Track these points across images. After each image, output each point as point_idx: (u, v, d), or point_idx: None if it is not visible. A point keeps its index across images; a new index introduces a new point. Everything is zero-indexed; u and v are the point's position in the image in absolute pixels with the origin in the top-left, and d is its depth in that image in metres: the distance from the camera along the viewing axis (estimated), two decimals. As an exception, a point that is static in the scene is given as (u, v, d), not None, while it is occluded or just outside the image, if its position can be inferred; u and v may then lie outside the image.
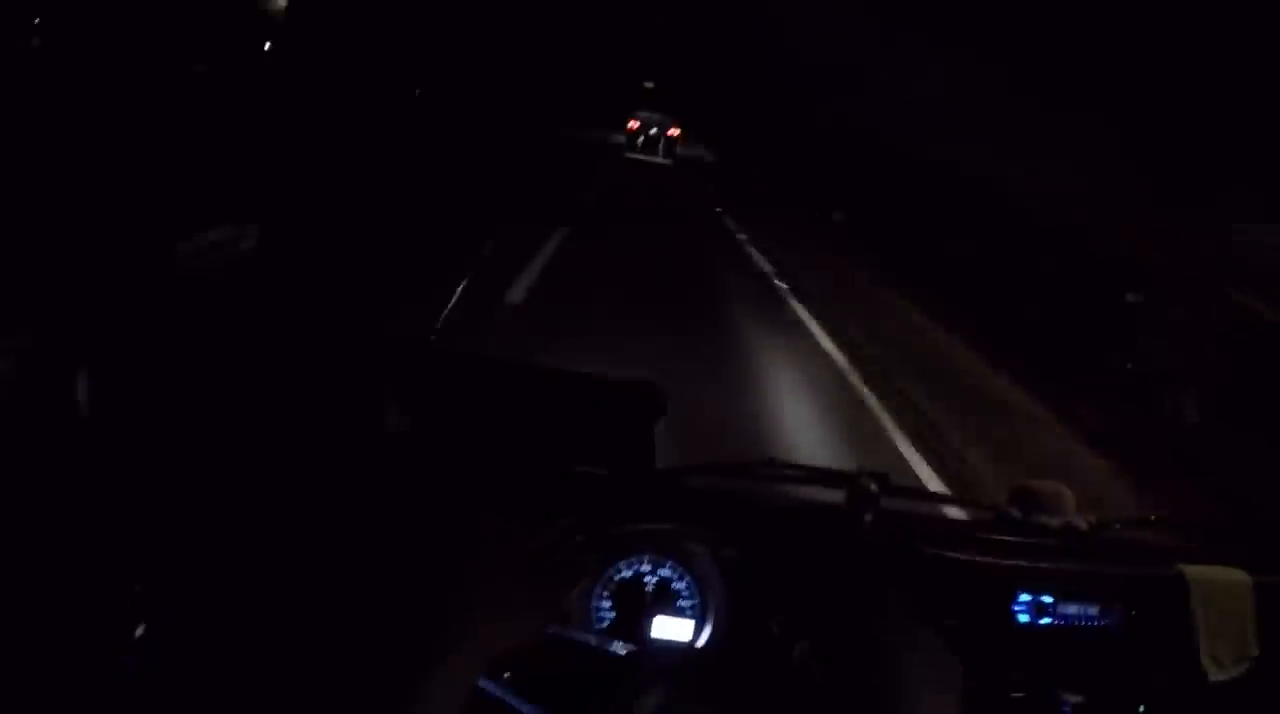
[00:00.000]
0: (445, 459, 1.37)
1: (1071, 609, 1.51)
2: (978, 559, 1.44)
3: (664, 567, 1.35)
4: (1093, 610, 1.52)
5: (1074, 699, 1.43)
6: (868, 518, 1.39)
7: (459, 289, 1.84)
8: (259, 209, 1.30)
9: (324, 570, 0.98)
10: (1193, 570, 1.51)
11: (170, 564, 1.01)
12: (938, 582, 1.39)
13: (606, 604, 1.33)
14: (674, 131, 28.01)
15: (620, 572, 1.34)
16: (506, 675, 1.04)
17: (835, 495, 1.52)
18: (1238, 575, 1.53)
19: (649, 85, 28.81)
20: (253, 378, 1.34)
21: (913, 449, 5.26)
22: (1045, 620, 1.47)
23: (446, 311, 1.69)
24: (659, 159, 27.14)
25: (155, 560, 1.01)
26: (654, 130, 28.01)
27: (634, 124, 28.62)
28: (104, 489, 1.09)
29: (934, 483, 4.83)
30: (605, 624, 1.32)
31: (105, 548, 1.02)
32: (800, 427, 5.29)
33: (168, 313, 1.30)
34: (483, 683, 1.00)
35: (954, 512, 2.27)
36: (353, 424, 1.41)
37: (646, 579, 1.35)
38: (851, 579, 1.27)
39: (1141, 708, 1.45)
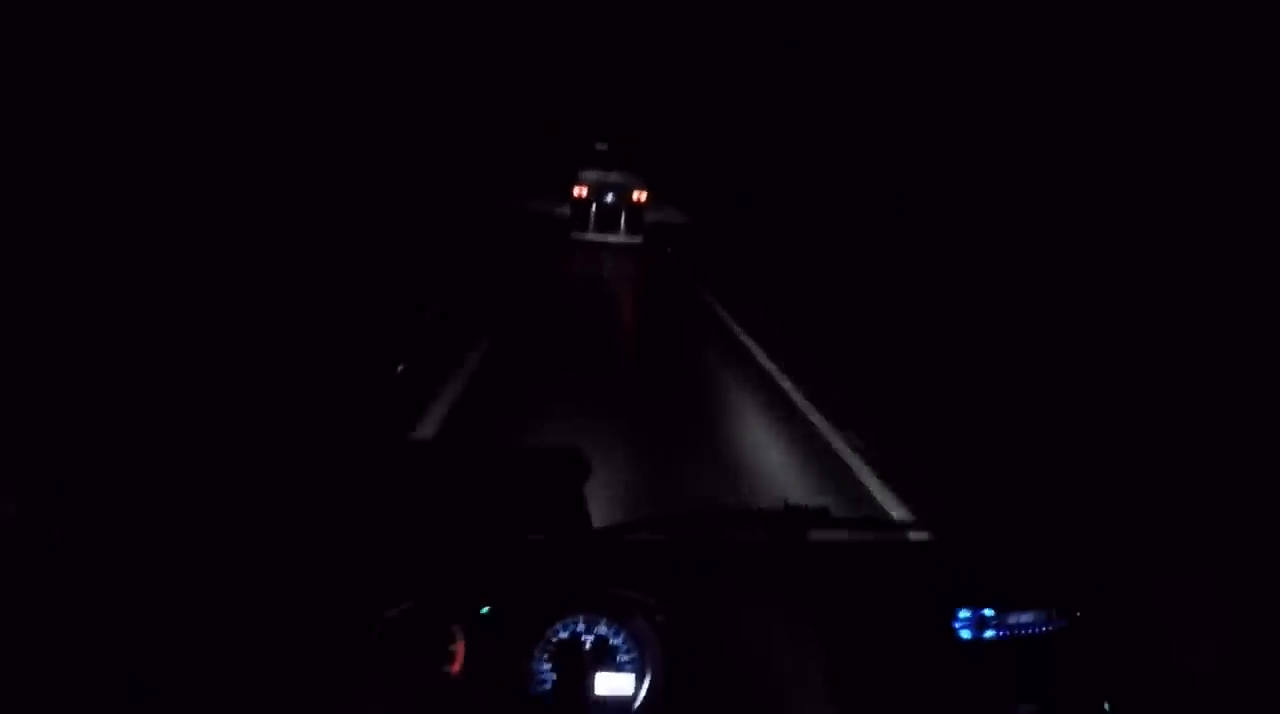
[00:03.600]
0: (385, 544, 1.43)
1: (1016, 619, 1.55)
2: (913, 582, 1.49)
3: (599, 625, 1.42)
4: (1039, 618, 1.56)
5: (1027, 709, 1.47)
6: (793, 557, 1.44)
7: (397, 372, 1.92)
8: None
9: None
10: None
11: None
12: (874, 609, 1.44)
13: (547, 666, 1.39)
14: (639, 196, 21.01)
15: (558, 633, 1.40)
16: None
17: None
18: None
19: (601, 147, 21.93)
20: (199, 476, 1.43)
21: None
22: (990, 634, 1.51)
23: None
24: (620, 238, 20.63)
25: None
26: (610, 197, 20.96)
27: (581, 190, 20.99)
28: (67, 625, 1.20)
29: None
30: (548, 685, 1.38)
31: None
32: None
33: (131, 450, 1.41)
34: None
35: (892, 535, 2.31)
36: (293, 516, 1.48)
37: (584, 638, 1.42)
38: (776, 620, 1.32)
39: (1107, 705, 1.48)
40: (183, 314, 7.46)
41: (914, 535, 1.88)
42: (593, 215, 20.86)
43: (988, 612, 1.57)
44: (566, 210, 21.17)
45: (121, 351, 6.61)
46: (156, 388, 6.02)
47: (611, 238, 20.42)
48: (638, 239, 20.40)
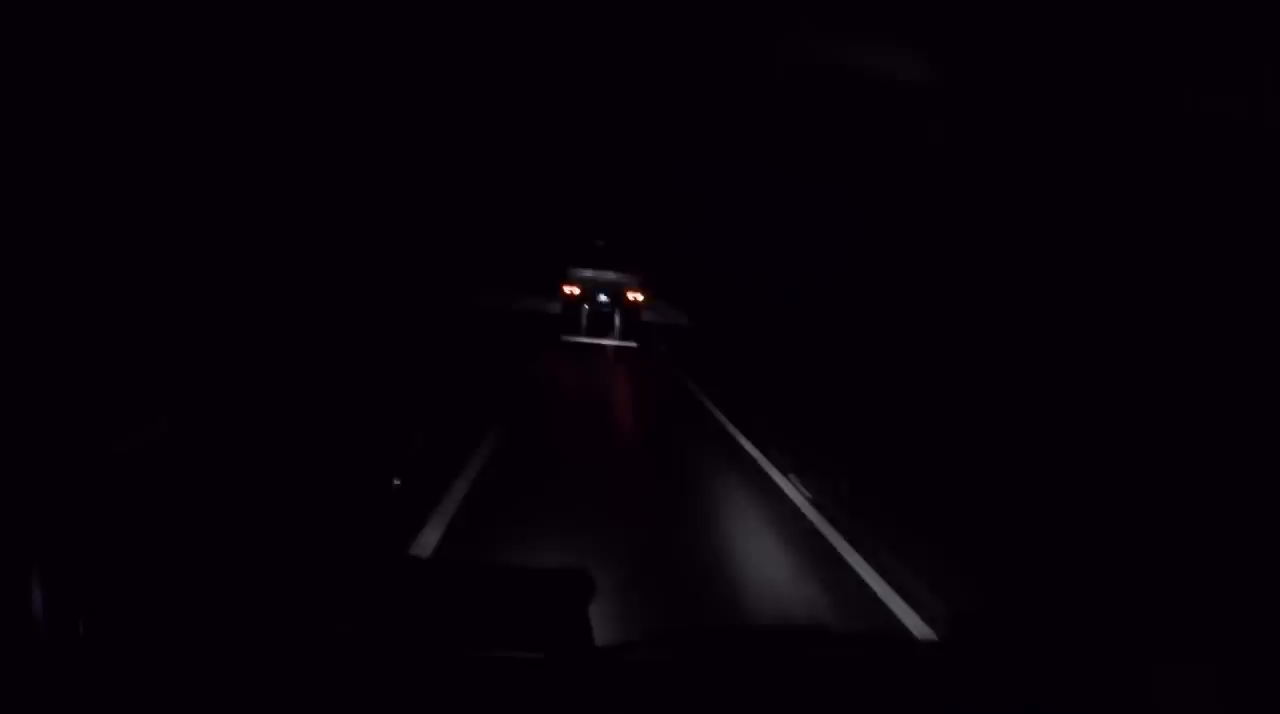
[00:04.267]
0: (386, 663, 1.45)
1: None
2: (907, 695, 1.51)
3: None
4: None
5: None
6: (792, 676, 1.46)
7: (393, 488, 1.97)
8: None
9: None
10: None
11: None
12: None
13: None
14: (635, 296, 19.78)
15: None
16: None
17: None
18: None
19: (600, 243, 20.54)
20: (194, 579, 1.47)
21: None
22: None
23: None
24: (613, 341, 19.49)
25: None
26: (604, 298, 19.69)
27: (573, 290, 19.80)
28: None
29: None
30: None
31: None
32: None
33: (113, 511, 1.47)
34: None
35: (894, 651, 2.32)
36: (296, 632, 1.50)
37: None
38: None
39: None
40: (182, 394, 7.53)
41: (919, 650, 1.90)
42: (585, 317, 19.78)
43: None
44: (556, 308, 20.27)
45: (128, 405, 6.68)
46: (164, 441, 6.07)
47: (605, 341, 19.46)
48: (632, 344, 19.47)
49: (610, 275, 19.84)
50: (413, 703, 1.44)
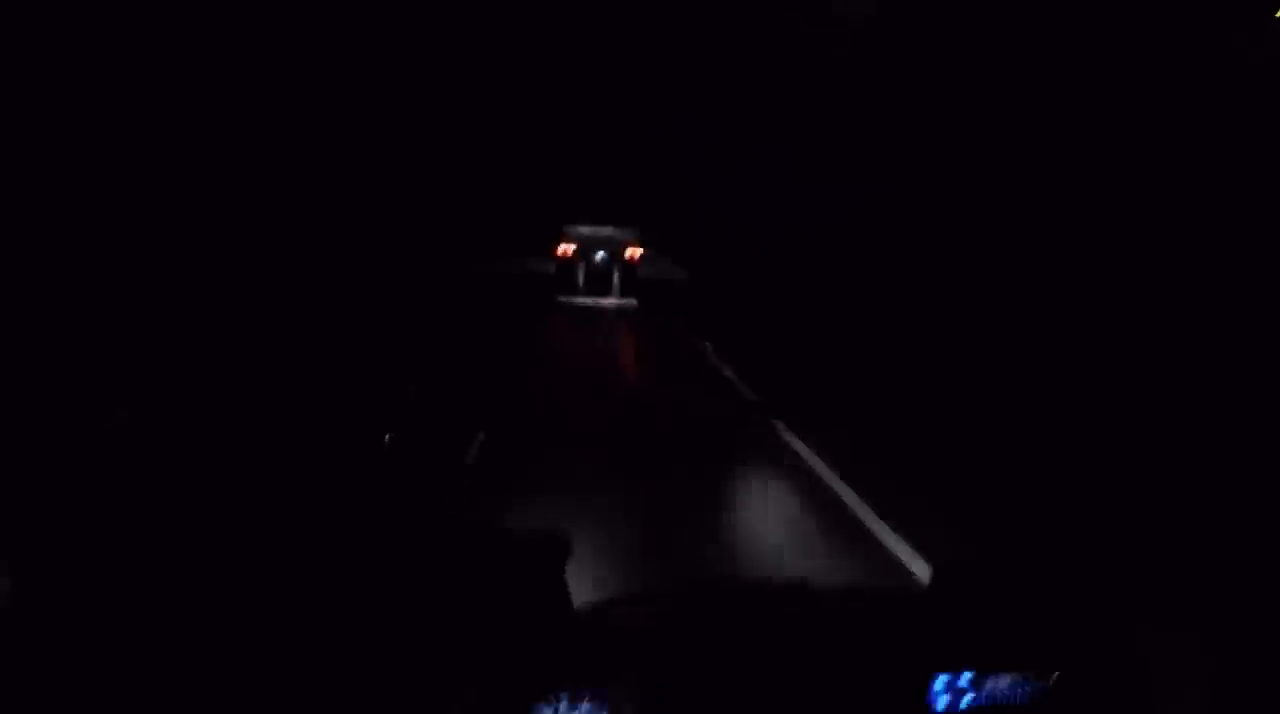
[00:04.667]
0: (368, 625, 1.46)
1: (995, 684, 1.57)
2: (888, 651, 1.52)
3: (583, 702, 1.44)
4: (1017, 683, 1.58)
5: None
6: (771, 631, 1.48)
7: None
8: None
9: None
10: None
11: None
12: (851, 681, 1.47)
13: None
14: (633, 252, 18.97)
15: (540, 711, 1.42)
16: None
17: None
18: None
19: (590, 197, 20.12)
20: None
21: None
22: (967, 701, 1.53)
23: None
24: (613, 300, 18.66)
25: None
26: (600, 255, 18.92)
27: (566, 248, 18.91)
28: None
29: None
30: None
31: None
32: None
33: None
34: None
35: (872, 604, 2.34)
36: (280, 594, 1.51)
37: None
38: (756, 696, 1.35)
39: None
40: (162, 354, 7.51)
41: (900, 601, 1.92)
42: (581, 275, 18.84)
43: (965, 676, 1.59)
44: (550, 268, 19.03)
45: (94, 387, 6.67)
46: (129, 426, 6.09)
47: (604, 301, 18.49)
48: (633, 302, 18.64)
49: (608, 230, 19.03)
50: (395, 663, 1.46)
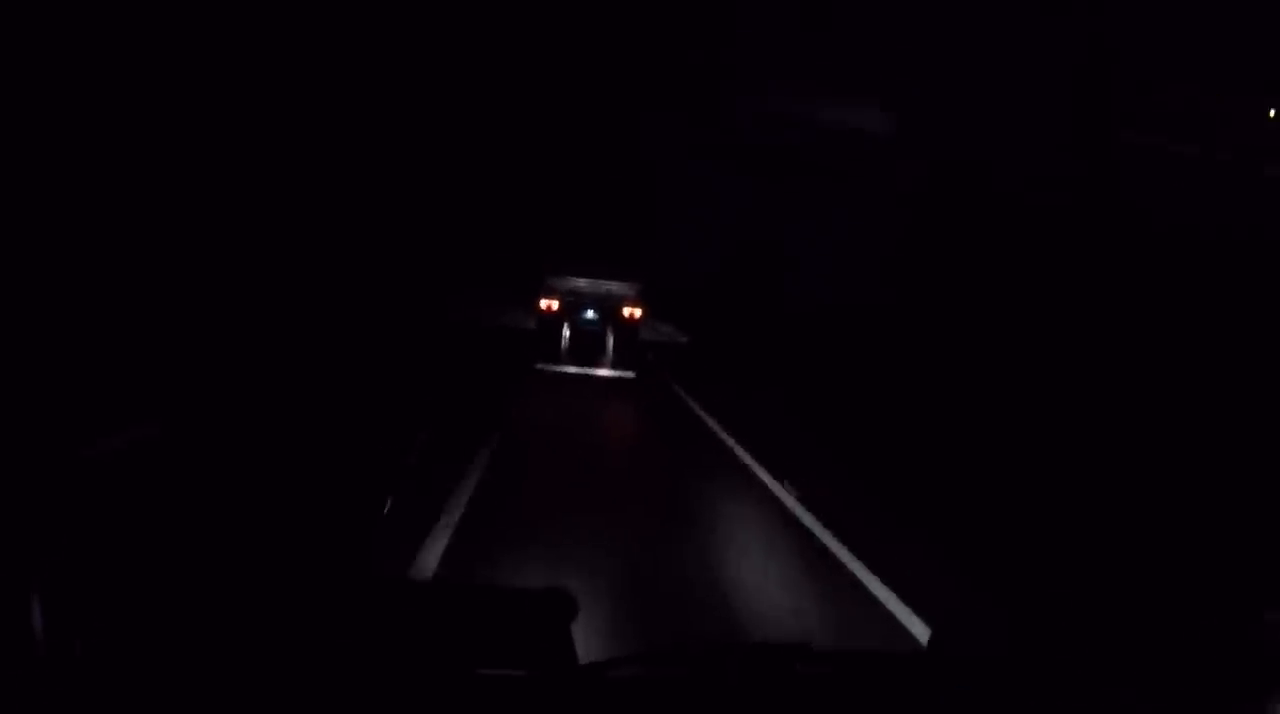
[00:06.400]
0: (374, 683, 1.49)
1: None
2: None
3: None
4: None
5: None
6: (775, 694, 1.49)
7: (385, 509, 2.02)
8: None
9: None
10: None
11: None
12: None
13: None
14: (631, 311, 16.04)
15: None
16: None
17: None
18: None
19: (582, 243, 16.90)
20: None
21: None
22: None
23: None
24: (605, 371, 15.83)
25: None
26: (591, 313, 16.02)
27: (550, 303, 15.92)
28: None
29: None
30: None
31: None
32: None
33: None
34: None
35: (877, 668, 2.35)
36: (287, 651, 1.54)
37: None
38: None
39: None
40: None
41: (902, 666, 1.93)
42: (566, 340, 16.02)
43: None
44: (532, 324, 16.32)
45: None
46: (128, 450, 6.14)
47: (595, 372, 15.71)
48: (630, 373, 15.81)
49: (603, 286, 16.03)
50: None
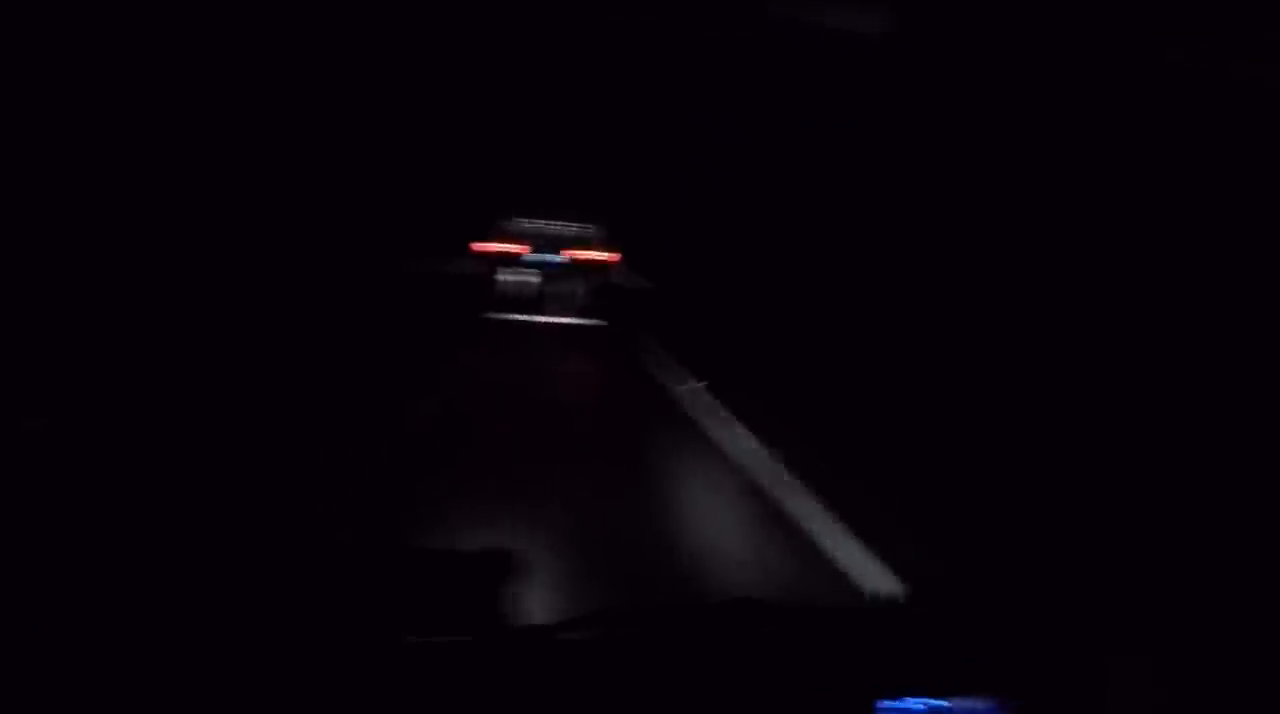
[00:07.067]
0: (313, 649, 1.45)
1: (949, 708, 1.55)
2: (832, 673, 1.51)
3: None
4: (974, 707, 1.56)
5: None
6: (720, 652, 1.47)
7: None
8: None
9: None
10: None
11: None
12: (795, 703, 1.47)
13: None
14: (600, 254, 14.10)
15: None
16: None
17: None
18: None
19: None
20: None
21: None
22: None
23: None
24: (571, 320, 13.91)
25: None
26: (552, 257, 14.03)
27: (505, 247, 13.91)
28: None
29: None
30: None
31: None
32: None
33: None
34: None
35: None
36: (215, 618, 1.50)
37: None
38: None
39: None
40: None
41: (852, 619, 1.90)
42: (524, 287, 13.99)
43: (913, 704, 1.58)
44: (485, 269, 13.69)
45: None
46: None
47: (559, 319, 13.91)
48: (601, 322, 13.60)
49: (566, 227, 14.03)
50: (343, 689, 1.44)
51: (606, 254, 13.85)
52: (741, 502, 6.95)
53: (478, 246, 13.31)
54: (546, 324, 13.52)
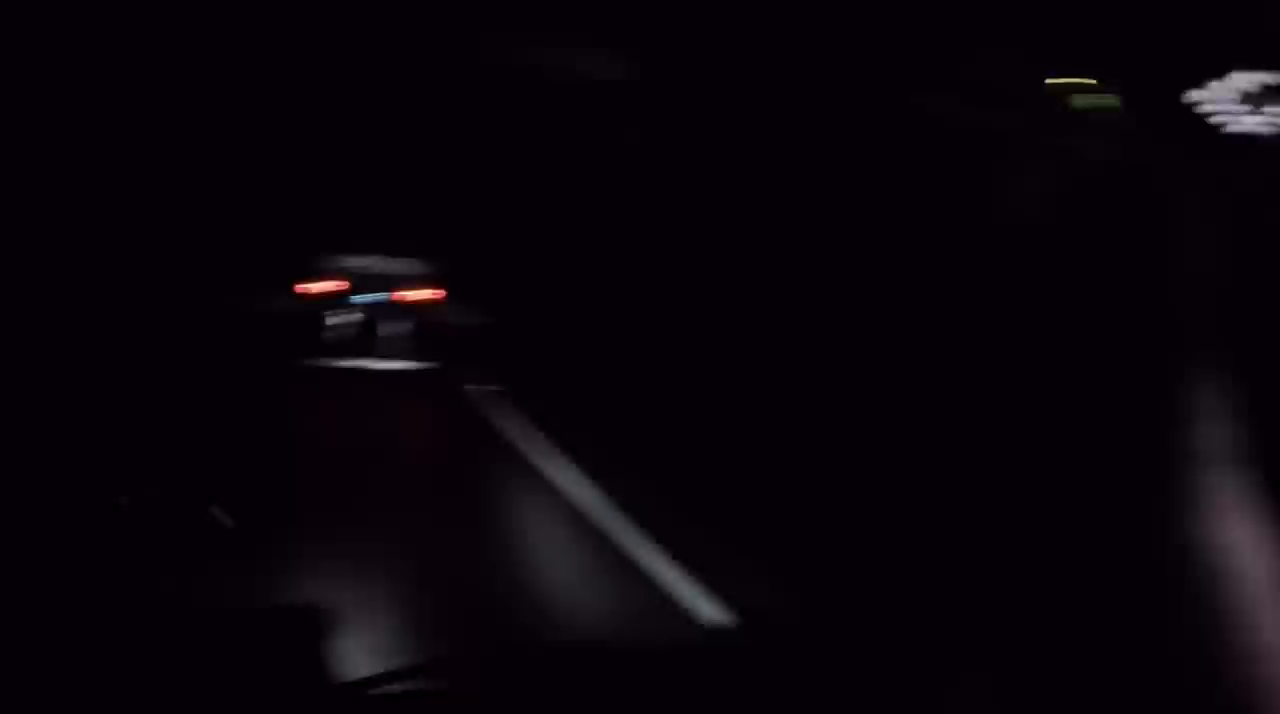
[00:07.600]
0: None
1: None
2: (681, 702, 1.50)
3: None
4: None
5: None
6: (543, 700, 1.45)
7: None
8: None
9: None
10: None
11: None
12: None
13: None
14: (420, 293, 8.08)
15: None
16: None
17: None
18: None
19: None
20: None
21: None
22: None
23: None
24: (399, 365, 7.78)
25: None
26: (376, 298, 7.88)
27: (329, 287, 7.86)
28: None
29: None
30: None
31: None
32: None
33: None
34: None
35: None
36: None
37: None
38: None
39: None
40: None
41: (668, 658, 1.90)
42: (348, 324, 11.40)
43: None
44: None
45: None
46: None
47: (385, 365, 11.74)
48: (434, 364, 11.36)
49: (388, 264, 11.56)
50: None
51: (432, 292, 13.26)
52: (575, 542, 6.96)
53: (300, 287, 12.27)
54: (375, 370, 13.08)
